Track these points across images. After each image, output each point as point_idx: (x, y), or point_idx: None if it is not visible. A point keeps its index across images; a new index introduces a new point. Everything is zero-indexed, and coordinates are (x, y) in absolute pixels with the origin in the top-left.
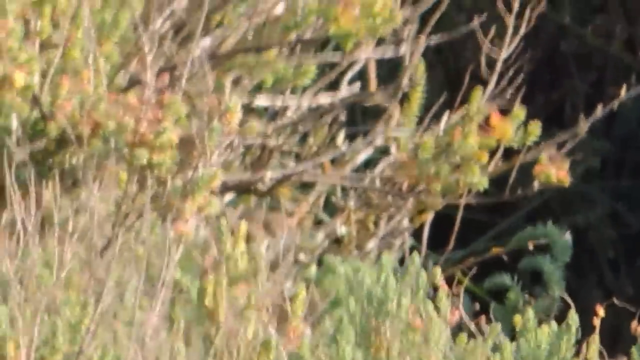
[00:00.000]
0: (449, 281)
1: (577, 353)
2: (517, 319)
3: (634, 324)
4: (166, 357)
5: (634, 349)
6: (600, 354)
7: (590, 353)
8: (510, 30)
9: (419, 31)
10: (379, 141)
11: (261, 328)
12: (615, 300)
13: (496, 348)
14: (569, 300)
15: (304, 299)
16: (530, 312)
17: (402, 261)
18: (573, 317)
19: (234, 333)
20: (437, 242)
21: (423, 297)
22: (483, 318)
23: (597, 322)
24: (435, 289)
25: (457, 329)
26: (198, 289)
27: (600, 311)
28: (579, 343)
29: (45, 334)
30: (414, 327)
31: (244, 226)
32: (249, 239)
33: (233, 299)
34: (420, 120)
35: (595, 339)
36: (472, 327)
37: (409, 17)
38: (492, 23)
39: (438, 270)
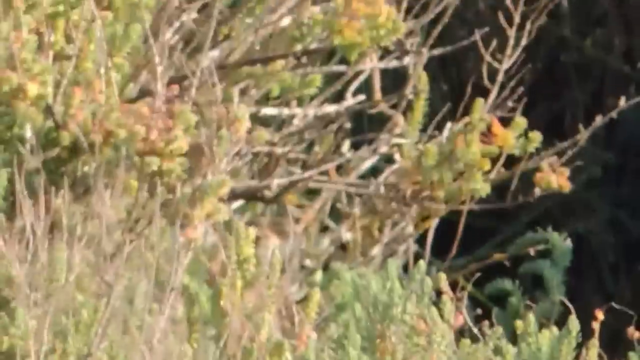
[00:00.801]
0: (452, 286)
1: (577, 357)
2: (519, 323)
3: (631, 329)
4: (174, 359)
5: (631, 354)
6: (600, 357)
7: (590, 356)
8: (511, 42)
9: (423, 43)
10: (383, 149)
11: (271, 332)
12: (615, 305)
13: (498, 352)
14: (569, 305)
15: (317, 302)
16: (531, 317)
17: (405, 267)
18: (573, 322)
19: (248, 336)
20: (440, 248)
21: (428, 303)
22: (486, 322)
23: (596, 325)
24: (439, 294)
25: (460, 333)
26: (212, 292)
27: (600, 315)
28: (579, 347)
29: (54, 337)
30: (419, 331)
31: (252, 231)
32: (257, 243)
33: (244, 303)
34: (424, 129)
35: (594, 343)
36: (476, 331)
37: (412, 28)
38: (493, 35)
39: (443, 276)
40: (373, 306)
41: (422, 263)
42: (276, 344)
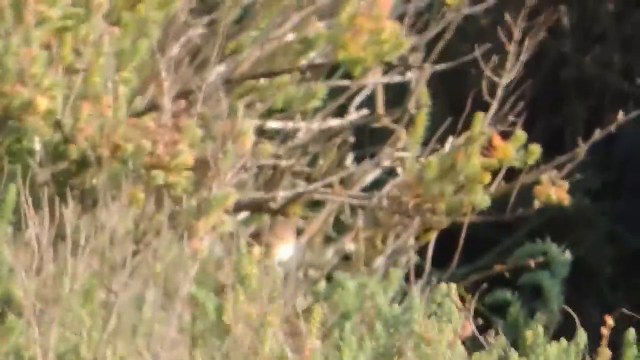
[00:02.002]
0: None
1: None
2: (528, 334)
3: (609, 321)
4: None
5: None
6: None
7: None
8: (511, 58)
9: (425, 58)
10: (386, 162)
11: (276, 343)
12: (626, 311)
13: None
14: (573, 314)
15: (319, 317)
16: (540, 328)
17: (407, 277)
18: (581, 334)
19: (252, 348)
20: (440, 259)
21: (446, 320)
22: (491, 332)
23: (605, 331)
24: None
25: (463, 343)
26: (215, 306)
27: (610, 321)
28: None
29: (61, 346)
30: (429, 340)
31: (257, 250)
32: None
33: (248, 316)
34: (426, 143)
35: (605, 352)
36: (482, 340)
37: (415, 44)
38: (494, 51)
39: (453, 287)
40: (386, 320)
41: (445, 286)
42: (280, 357)
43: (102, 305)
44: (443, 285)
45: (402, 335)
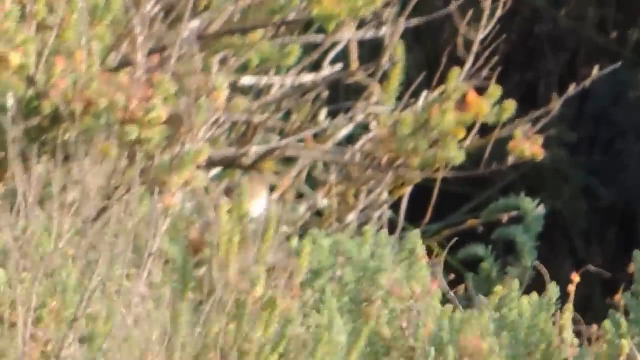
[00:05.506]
0: (426, 252)
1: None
2: (498, 289)
3: (618, 296)
4: (152, 324)
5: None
6: (576, 321)
7: (564, 320)
8: (486, 13)
9: (399, 13)
10: (359, 117)
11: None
12: (590, 267)
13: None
14: (544, 271)
15: (308, 254)
16: (515, 283)
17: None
18: (552, 288)
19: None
20: (414, 215)
21: (419, 269)
22: (462, 287)
23: (571, 288)
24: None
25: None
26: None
27: (576, 278)
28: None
29: (42, 299)
30: (402, 296)
31: (226, 204)
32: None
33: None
34: (400, 98)
35: (569, 307)
36: (452, 295)
37: None
38: (469, 6)
39: (419, 242)
40: (360, 272)
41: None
42: (269, 299)
43: (75, 260)
44: (413, 236)
45: (371, 286)
